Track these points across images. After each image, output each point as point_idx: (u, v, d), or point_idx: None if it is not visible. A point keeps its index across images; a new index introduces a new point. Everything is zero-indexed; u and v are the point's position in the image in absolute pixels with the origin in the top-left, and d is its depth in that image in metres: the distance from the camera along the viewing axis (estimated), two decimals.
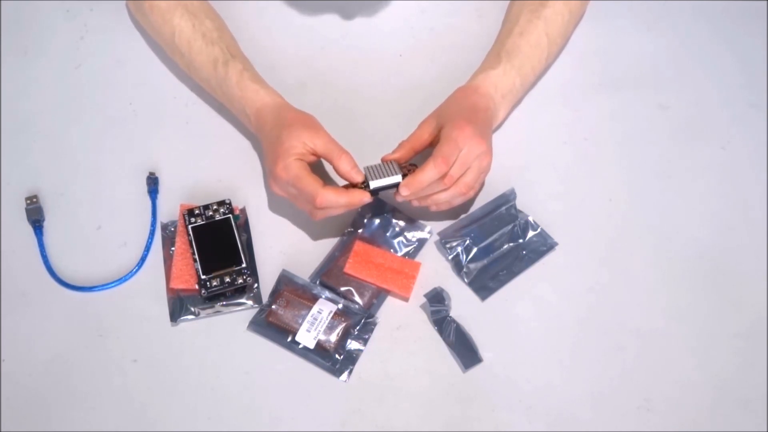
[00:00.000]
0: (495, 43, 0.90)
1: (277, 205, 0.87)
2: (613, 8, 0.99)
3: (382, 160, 0.80)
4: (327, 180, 0.85)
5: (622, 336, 0.81)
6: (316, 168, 0.85)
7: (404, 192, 0.77)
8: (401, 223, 0.86)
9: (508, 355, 0.79)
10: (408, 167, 0.80)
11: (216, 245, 0.81)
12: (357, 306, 0.81)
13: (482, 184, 0.84)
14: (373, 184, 0.78)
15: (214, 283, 0.80)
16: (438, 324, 0.80)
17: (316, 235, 0.86)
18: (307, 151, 0.78)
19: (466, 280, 0.83)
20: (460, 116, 0.79)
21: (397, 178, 0.78)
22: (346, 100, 0.93)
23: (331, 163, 0.79)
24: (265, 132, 0.82)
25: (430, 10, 0.99)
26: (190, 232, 0.82)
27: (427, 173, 0.76)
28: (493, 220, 0.85)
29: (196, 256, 0.80)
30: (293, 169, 0.77)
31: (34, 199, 0.86)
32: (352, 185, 0.79)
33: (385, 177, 0.78)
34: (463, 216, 0.86)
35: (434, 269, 0.84)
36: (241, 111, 0.85)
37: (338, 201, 0.77)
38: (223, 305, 0.81)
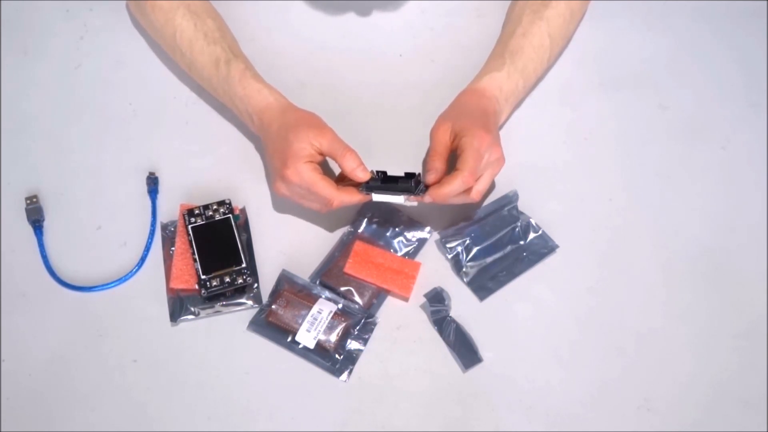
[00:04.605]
0: (498, 44, 0.90)
1: (277, 205, 0.87)
2: (613, 8, 0.99)
3: (427, 168, 0.79)
4: (326, 169, 0.85)
5: (622, 336, 0.81)
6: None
7: (428, 200, 0.78)
8: (401, 223, 0.86)
9: (508, 355, 0.79)
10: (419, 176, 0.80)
11: (216, 245, 0.81)
12: (357, 306, 0.81)
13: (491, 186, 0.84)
14: (377, 197, 0.79)
15: (214, 283, 0.80)
16: (438, 324, 0.80)
17: (316, 235, 0.86)
18: (315, 151, 0.79)
19: (465, 280, 0.83)
20: (477, 124, 0.79)
21: (399, 199, 0.79)
22: (346, 100, 0.93)
23: (335, 161, 0.79)
24: (271, 134, 0.82)
25: (430, 10, 0.99)
26: (190, 232, 0.82)
27: (455, 186, 0.76)
28: (494, 221, 0.85)
29: (196, 256, 0.80)
30: (306, 174, 0.77)
31: (34, 199, 0.86)
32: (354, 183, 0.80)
33: (390, 194, 0.79)
34: (463, 217, 0.86)
35: (434, 269, 0.84)
36: (243, 110, 0.85)
37: (351, 200, 0.79)
38: (223, 305, 0.81)
